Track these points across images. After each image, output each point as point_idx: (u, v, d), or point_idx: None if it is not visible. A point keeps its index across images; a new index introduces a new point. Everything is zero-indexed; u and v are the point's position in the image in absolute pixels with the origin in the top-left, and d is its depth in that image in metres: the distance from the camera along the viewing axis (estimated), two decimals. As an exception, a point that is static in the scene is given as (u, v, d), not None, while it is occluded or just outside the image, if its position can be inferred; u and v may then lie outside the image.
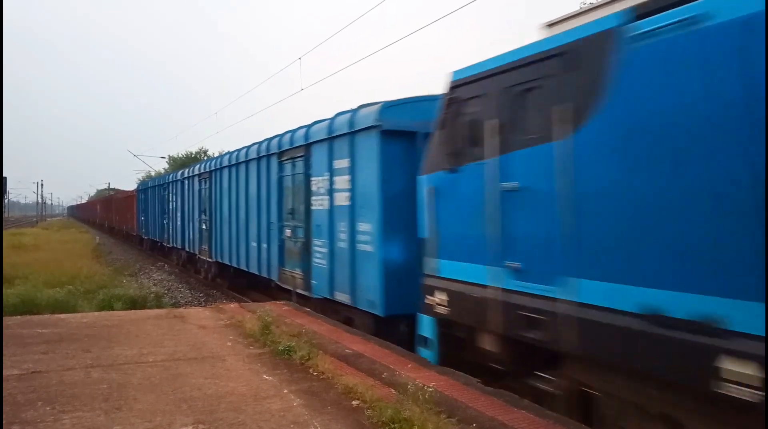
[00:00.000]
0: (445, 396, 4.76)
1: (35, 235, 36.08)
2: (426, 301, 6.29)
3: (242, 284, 15.67)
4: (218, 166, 16.17)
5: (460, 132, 5.84)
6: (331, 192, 9.13)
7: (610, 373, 4.35)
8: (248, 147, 13.76)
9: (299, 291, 10.39)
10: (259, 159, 12.70)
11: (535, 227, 4.90)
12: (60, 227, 58.58)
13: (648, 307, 3.90)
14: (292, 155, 10.88)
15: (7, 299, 11.17)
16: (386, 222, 7.73)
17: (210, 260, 17.24)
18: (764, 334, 3.23)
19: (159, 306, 12.81)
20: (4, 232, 35.39)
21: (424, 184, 6.43)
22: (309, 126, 10.34)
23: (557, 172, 4.63)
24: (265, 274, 12.43)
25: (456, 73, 6.04)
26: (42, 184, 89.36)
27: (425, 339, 6.38)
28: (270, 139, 12.29)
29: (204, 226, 17.74)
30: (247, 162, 13.57)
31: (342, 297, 8.77)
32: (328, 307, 9.42)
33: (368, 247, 8.03)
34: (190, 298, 17.01)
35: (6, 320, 7.87)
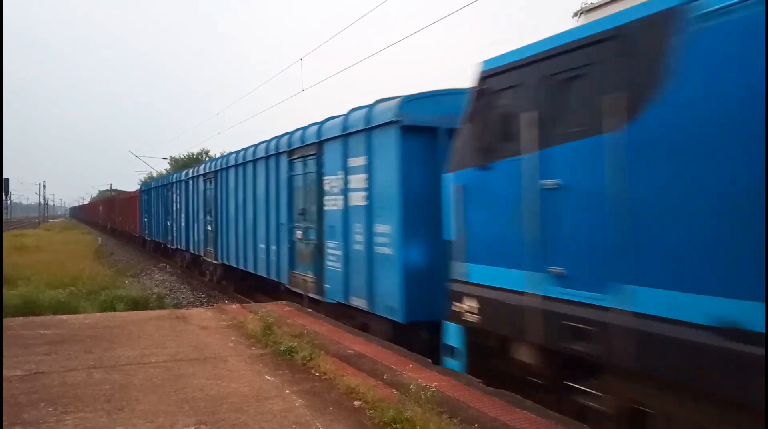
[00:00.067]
0: (447, 396, 4.75)
1: (37, 237, 36.08)
2: (453, 308, 5.86)
3: (249, 287, 15.27)
4: (224, 166, 15.71)
5: (491, 126, 5.42)
6: (345, 191, 8.71)
7: (670, 390, 3.92)
8: (256, 146, 13.31)
9: (311, 295, 9.96)
10: (267, 158, 12.26)
11: (582, 229, 4.46)
12: (62, 228, 58.60)
13: (722, 319, 3.47)
14: (303, 154, 10.45)
15: (10, 300, 11.19)
16: (406, 223, 7.31)
17: (216, 262, 16.83)
18: None
19: (161, 307, 12.75)
20: (7, 234, 35.17)
21: (451, 182, 6.00)
22: (321, 123, 9.92)
23: (608, 166, 4.20)
24: (274, 277, 12.01)
25: (486, 62, 5.61)
26: (44, 186, 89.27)
27: (452, 348, 5.95)
28: (279, 137, 11.85)
29: (209, 228, 17.34)
30: (254, 161, 13.14)
31: (358, 302, 8.34)
32: (341, 312, 8.99)
33: (387, 250, 7.61)
34: (192, 299, 16.90)
35: (8, 321, 7.88)
